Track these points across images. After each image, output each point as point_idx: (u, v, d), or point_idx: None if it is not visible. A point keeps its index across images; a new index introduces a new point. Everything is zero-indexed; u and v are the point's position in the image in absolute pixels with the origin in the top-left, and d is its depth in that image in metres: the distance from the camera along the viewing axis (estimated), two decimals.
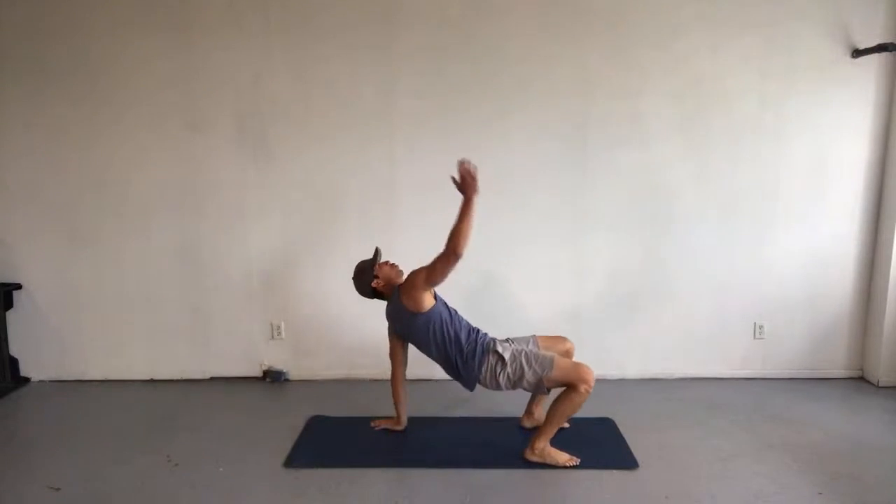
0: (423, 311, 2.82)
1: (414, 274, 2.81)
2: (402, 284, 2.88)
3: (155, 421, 3.29)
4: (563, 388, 2.72)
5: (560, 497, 2.55)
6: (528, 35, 3.56)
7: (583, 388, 2.65)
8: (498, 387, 2.80)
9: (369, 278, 2.96)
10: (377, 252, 3.02)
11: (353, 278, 3.02)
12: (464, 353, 2.82)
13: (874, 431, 3.13)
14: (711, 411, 3.37)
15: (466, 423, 3.22)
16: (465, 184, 2.61)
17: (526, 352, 2.79)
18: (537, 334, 3.02)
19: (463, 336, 2.84)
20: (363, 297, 3.04)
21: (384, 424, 3.13)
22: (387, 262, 3.03)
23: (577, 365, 2.73)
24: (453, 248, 2.63)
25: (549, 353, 2.79)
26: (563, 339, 3.04)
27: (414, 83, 3.59)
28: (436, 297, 2.92)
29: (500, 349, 2.79)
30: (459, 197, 3.61)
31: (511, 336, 2.99)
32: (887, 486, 2.60)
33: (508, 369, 2.75)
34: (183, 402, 3.55)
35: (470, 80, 3.59)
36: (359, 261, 3.05)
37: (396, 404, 3.11)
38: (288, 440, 3.01)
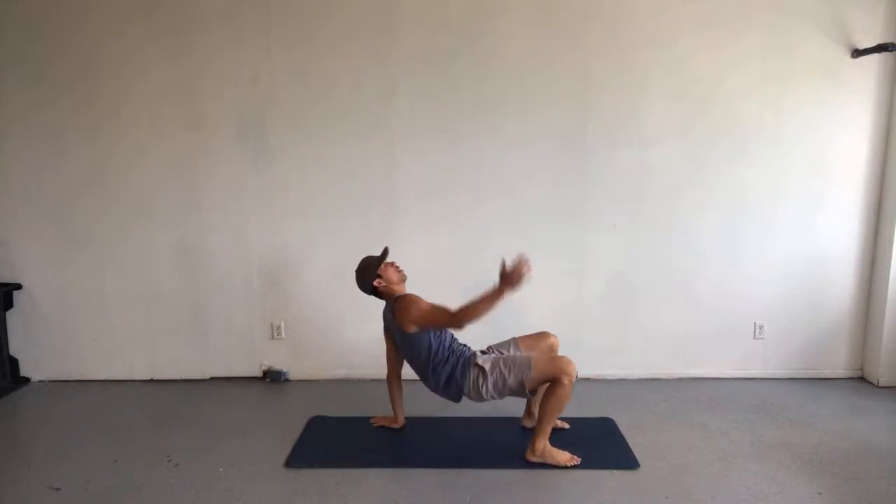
0: (413, 332, 2.84)
1: (412, 305, 2.80)
2: (398, 303, 2.86)
3: (155, 421, 3.28)
4: (548, 384, 2.72)
5: (560, 497, 2.55)
6: (527, 35, 3.56)
7: (565, 379, 2.65)
8: (481, 398, 2.82)
9: (372, 276, 2.93)
10: (385, 252, 2.99)
11: (356, 271, 2.99)
12: (445, 371, 2.84)
13: (874, 431, 3.13)
14: (711, 411, 3.37)
15: (466, 423, 3.21)
16: (510, 277, 2.60)
17: (504, 358, 2.81)
18: (517, 336, 3.03)
19: (445, 355, 2.85)
20: (361, 293, 3.01)
21: (382, 422, 3.15)
22: (392, 264, 2.99)
23: (554, 359, 2.75)
24: (460, 320, 2.68)
25: (525, 355, 2.83)
26: (545, 334, 3.03)
27: (414, 84, 3.59)
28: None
29: (480, 361, 2.81)
30: (460, 197, 3.68)
31: (491, 343, 3.02)
32: (887, 486, 2.60)
33: (490, 380, 2.76)
34: (183, 402, 3.55)
35: (470, 80, 3.59)
36: (365, 256, 3.03)
37: (392, 403, 3.12)
38: (288, 440, 3.01)
